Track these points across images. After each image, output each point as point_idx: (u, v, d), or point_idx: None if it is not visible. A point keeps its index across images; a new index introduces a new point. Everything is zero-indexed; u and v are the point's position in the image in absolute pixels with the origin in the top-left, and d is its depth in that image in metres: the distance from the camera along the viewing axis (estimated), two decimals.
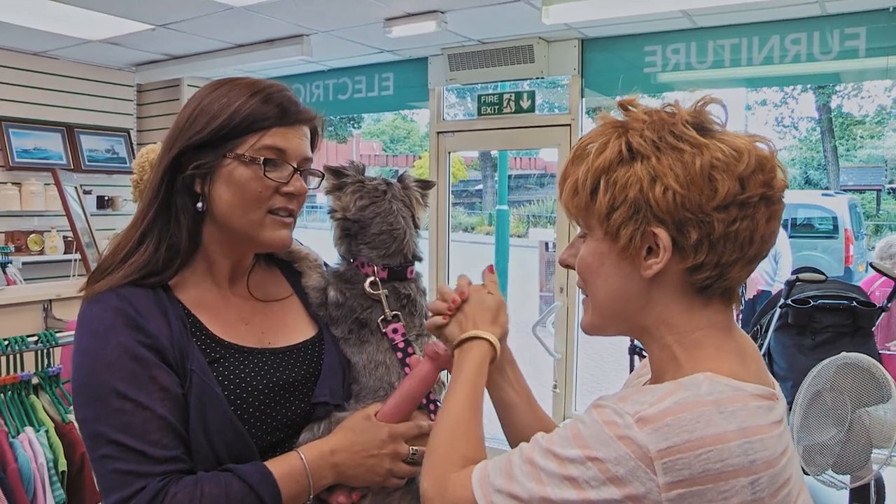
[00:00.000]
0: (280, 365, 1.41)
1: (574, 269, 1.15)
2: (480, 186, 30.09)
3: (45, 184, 5.51)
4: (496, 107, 5.34)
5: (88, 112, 6.01)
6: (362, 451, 1.37)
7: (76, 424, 2.28)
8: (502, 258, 12.55)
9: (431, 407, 1.49)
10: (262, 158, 1.34)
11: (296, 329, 1.49)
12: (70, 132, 5.86)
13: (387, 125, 34.67)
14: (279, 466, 1.31)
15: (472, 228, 25.96)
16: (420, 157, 27.27)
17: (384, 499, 1.43)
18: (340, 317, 1.50)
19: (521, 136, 5.38)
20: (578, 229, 1.15)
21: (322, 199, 1.59)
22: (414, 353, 1.48)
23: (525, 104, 5.23)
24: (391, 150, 34.41)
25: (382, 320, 1.49)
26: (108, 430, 1.22)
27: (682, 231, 1.00)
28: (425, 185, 1.62)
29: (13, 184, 5.51)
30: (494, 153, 18.95)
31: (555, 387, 5.28)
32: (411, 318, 1.52)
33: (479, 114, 5.43)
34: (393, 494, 1.43)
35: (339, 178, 1.53)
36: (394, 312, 1.50)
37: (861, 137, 24.30)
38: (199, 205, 1.36)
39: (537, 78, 5.15)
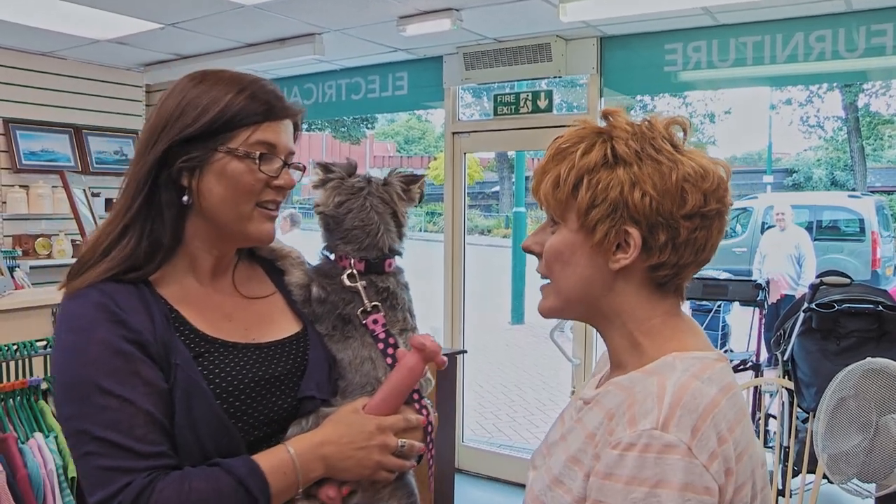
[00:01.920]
0: (265, 360, 1.43)
1: (537, 255, 1.26)
2: (497, 188, 30.08)
3: (53, 186, 5.44)
4: (513, 106, 5.25)
5: (96, 113, 5.94)
6: (351, 444, 1.37)
7: None
8: (519, 261, 12.51)
9: (416, 397, 1.50)
10: (259, 153, 1.37)
11: (280, 325, 1.51)
12: (78, 134, 5.80)
13: (401, 126, 34.78)
14: (267, 460, 1.31)
15: (489, 231, 25.97)
16: (435, 158, 27.32)
17: (374, 494, 1.44)
18: (324, 313, 1.53)
19: (538, 137, 5.26)
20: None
21: None
22: (395, 343, 1.50)
23: (542, 104, 5.14)
24: (405, 150, 34.52)
25: (362, 312, 1.51)
26: (91, 426, 1.22)
27: (652, 232, 1.14)
28: (409, 179, 1.63)
29: (20, 186, 5.45)
30: (511, 154, 18.93)
31: (573, 392, 5.17)
32: (393, 311, 1.55)
33: (496, 114, 5.35)
34: (383, 490, 1.45)
35: (326, 173, 1.58)
36: (373, 304, 1.52)
37: (889, 137, 24.12)
38: (186, 198, 1.37)
39: (555, 77, 5.06)
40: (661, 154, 1.15)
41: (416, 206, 1.69)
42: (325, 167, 1.57)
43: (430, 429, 1.50)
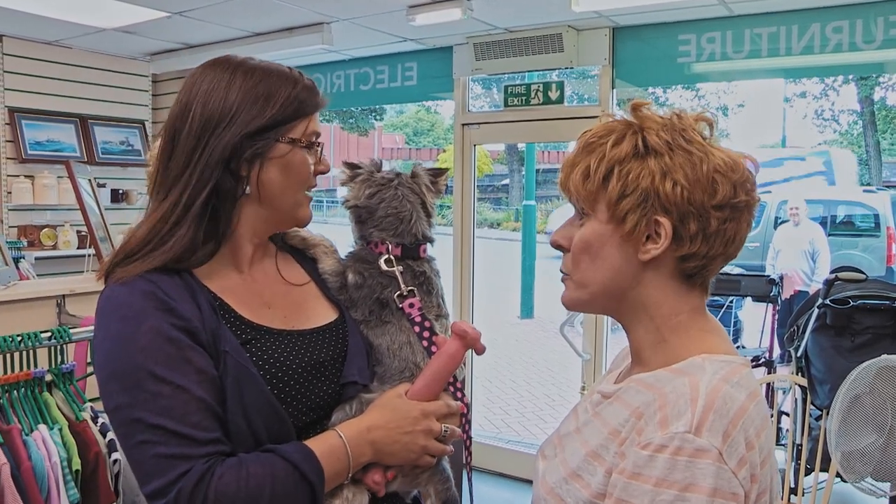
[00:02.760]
0: (309, 346, 1.46)
1: (565, 249, 1.27)
2: (507, 181, 30.01)
3: (59, 177, 5.44)
4: (523, 98, 5.18)
5: (103, 103, 5.93)
6: (398, 428, 1.41)
7: (90, 423, 2.23)
8: (529, 255, 12.49)
9: (459, 385, 1.55)
10: (321, 143, 1.45)
11: (317, 312, 1.54)
12: (84, 124, 5.79)
13: (410, 117, 34.71)
14: (319, 445, 1.34)
15: (498, 224, 25.89)
16: (444, 151, 27.29)
17: (413, 480, 1.49)
18: (360, 298, 1.57)
19: (549, 129, 5.23)
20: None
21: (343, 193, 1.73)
22: (431, 326, 1.55)
23: (553, 95, 5.07)
24: (414, 143, 34.48)
25: (398, 296, 1.55)
26: (146, 414, 1.23)
27: (683, 222, 1.15)
28: (436, 172, 1.70)
29: (26, 177, 5.45)
30: (521, 146, 18.88)
31: (583, 388, 5.16)
32: (428, 296, 1.60)
33: (506, 105, 5.29)
34: (421, 476, 1.49)
35: (353, 170, 1.65)
36: (409, 288, 1.56)
37: None
38: (247, 188, 1.40)
39: (566, 68, 5.00)
40: (692, 145, 1.17)
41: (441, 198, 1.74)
42: (352, 165, 1.65)
43: (467, 414, 1.55)
